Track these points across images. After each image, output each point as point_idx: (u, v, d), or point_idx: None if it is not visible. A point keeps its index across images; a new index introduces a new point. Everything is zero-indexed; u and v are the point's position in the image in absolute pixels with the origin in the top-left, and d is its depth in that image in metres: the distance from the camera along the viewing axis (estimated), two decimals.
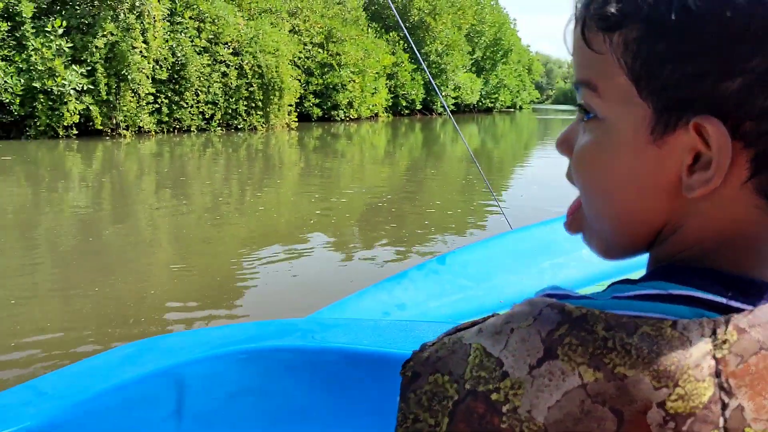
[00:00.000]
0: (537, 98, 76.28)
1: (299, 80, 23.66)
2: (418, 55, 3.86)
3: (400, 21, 3.81)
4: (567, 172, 0.49)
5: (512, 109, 56.38)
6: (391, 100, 32.20)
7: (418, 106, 34.80)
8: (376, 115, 30.38)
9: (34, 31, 13.51)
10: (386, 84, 31.36)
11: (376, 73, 28.42)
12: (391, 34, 32.99)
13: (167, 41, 16.25)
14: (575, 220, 0.50)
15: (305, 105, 24.31)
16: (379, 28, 32.87)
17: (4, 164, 10.94)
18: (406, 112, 34.52)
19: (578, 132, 0.47)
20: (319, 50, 24.95)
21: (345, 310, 2.23)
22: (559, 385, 0.37)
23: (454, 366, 0.41)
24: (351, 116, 26.75)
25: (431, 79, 3.70)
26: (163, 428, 1.35)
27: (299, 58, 23.84)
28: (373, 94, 28.48)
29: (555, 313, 0.40)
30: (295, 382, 1.42)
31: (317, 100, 24.83)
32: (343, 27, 26.09)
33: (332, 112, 25.66)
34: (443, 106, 6.51)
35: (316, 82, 24.53)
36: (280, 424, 1.40)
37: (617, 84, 0.42)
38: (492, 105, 48.15)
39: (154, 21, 15.24)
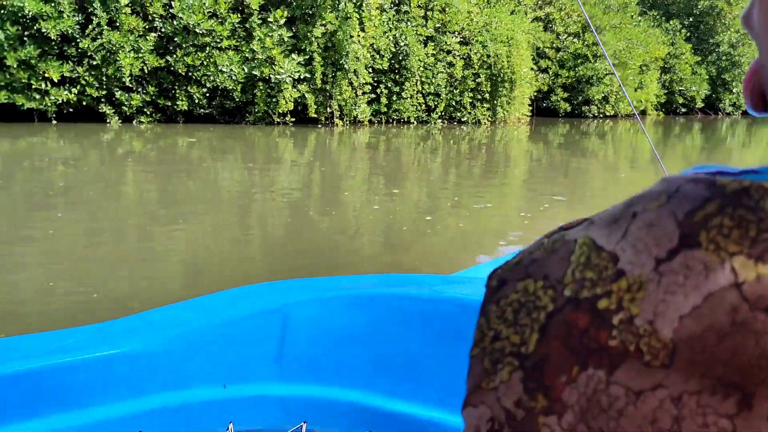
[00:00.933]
0: None
1: (547, 72, 22.06)
2: (598, 35, 2.67)
3: (588, 20, 2.81)
4: (745, 14, 0.35)
5: None
6: (664, 97, 28.61)
7: (699, 104, 30.43)
8: (643, 112, 27.22)
9: (260, 21, 14.29)
10: (660, 78, 27.92)
11: (643, 65, 25.37)
12: (671, 22, 29.29)
13: (390, 30, 16.11)
14: (758, 92, 0.35)
15: (552, 99, 22.61)
16: (657, 16, 29.41)
17: (224, 146, 11.69)
18: (683, 110, 30.42)
19: None
20: (574, 40, 22.97)
21: (481, 274, 1.97)
22: (698, 284, 0.26)
23: (551, 268, 0.31)
24: (606, 113, 24.25)
25: (612, 67, 2.59)
26: (263, 367, 1.36)
27: (548, 49, 22.21)
28: (637, 89, 25.51)
29: (701, 188, 0.28)
30: (406, 330, 1.36)
31: (566, 94, 22.92)
32: (604, 14, 23.68)
33: (583, 108, 23.51)
34: (630, 104, 5.05)
35: (566, 75, 22.64)
36: (386, 372, 1.35)
37: None
38: None
39: (371, 10, 15.17)
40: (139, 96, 13.70)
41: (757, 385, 0.24)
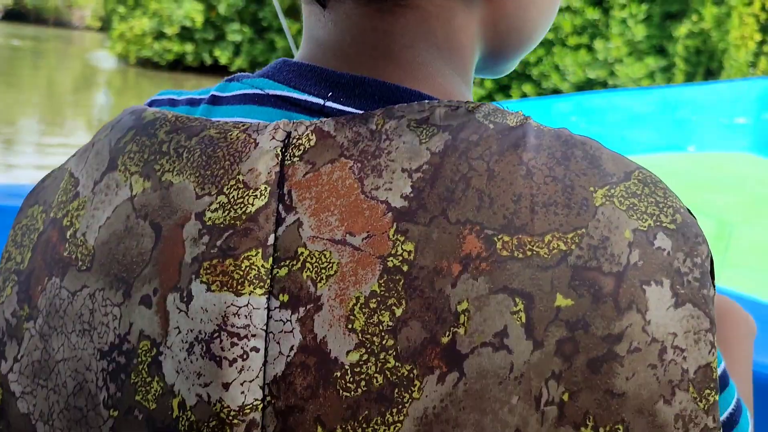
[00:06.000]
0: None
1: None
2: None
3: None
4: None
5: None
6: None
7: None
8: None
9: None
10: None
11: None
12: None
13: None
14: None
15: None
16: None
17: None
18: None
19: None
20: None
21: None
22: (111, 200, 0.32)
23: (50, 195, 0.36)
24: None
25: None
26: None
27: None
28: None
29: (131, 118, 0.34)
30: None
31: None
32: None
33: None
34: None
35: None
36: None
37: None
38: None
39: None
40: None
41: (135, 279, 0.30)
